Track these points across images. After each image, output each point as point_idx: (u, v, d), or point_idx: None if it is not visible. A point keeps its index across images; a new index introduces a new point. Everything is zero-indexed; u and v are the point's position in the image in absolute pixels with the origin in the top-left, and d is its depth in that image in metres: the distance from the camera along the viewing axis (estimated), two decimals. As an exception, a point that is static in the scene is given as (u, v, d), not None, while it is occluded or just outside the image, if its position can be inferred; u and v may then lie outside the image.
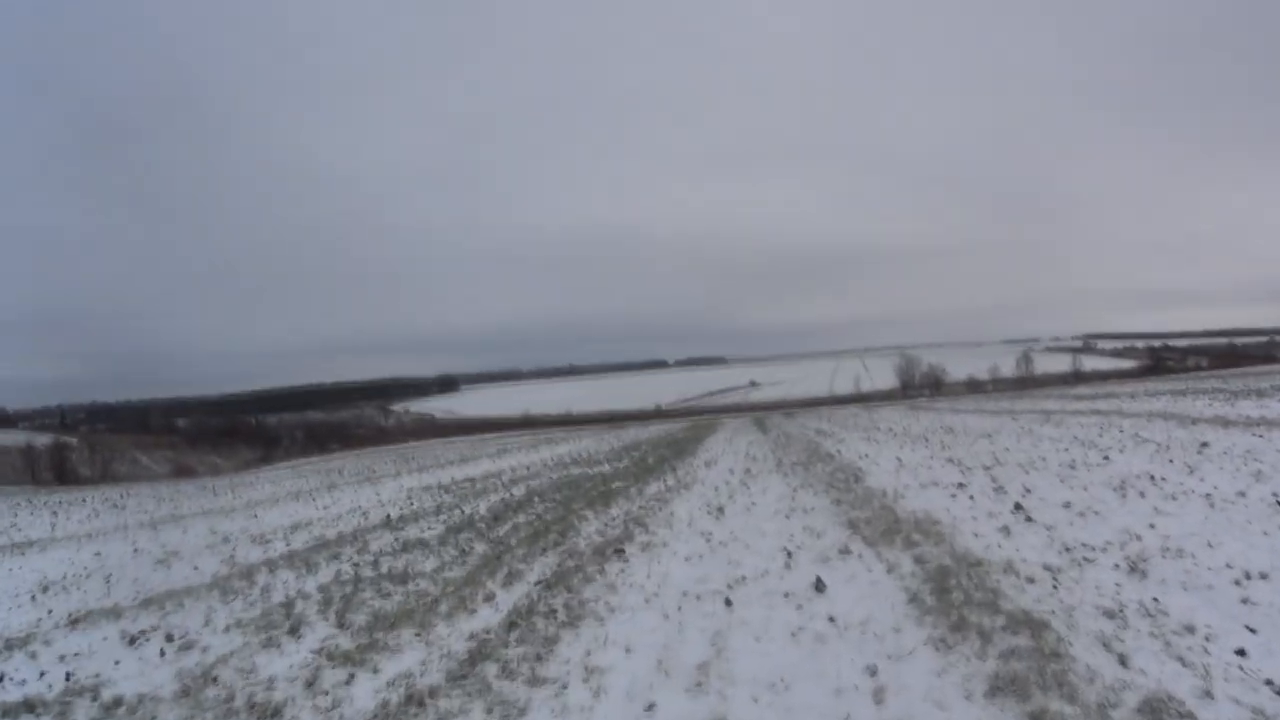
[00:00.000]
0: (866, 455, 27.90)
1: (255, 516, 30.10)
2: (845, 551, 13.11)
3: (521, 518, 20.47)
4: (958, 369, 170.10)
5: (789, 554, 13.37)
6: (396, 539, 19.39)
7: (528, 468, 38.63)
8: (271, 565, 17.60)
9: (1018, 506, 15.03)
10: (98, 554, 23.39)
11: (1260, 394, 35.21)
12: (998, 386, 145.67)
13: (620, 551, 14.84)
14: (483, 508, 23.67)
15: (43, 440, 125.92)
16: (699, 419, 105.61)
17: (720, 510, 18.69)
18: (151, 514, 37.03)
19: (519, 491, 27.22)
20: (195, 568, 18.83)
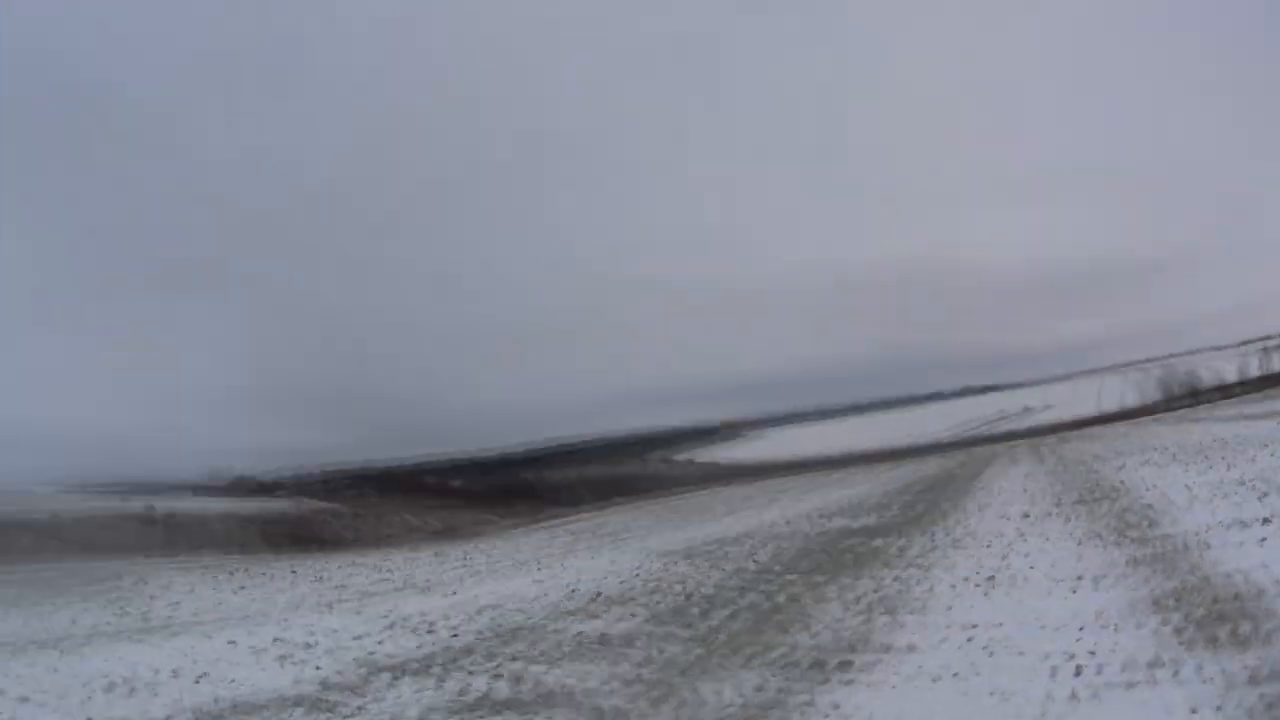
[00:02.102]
0: (1154, 485, 24.97)
1: (451, 594, 26.89)
2: (1156, 665, 9.73)
3: (750, 598, 17.99)
4: (1207, 374, 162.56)
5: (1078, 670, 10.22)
6: (576, 634, 16.44)
7: (788, 521, 35.77)
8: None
9: None
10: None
11: None
12: (1245, 387, 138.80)
13: (846, 666, 12.14)
14: (712, 580, 21.11)
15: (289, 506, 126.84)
16: (974, 449, 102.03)
17: (989, 580, 16.13)
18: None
19: (764, 556, 24.70)
20: None
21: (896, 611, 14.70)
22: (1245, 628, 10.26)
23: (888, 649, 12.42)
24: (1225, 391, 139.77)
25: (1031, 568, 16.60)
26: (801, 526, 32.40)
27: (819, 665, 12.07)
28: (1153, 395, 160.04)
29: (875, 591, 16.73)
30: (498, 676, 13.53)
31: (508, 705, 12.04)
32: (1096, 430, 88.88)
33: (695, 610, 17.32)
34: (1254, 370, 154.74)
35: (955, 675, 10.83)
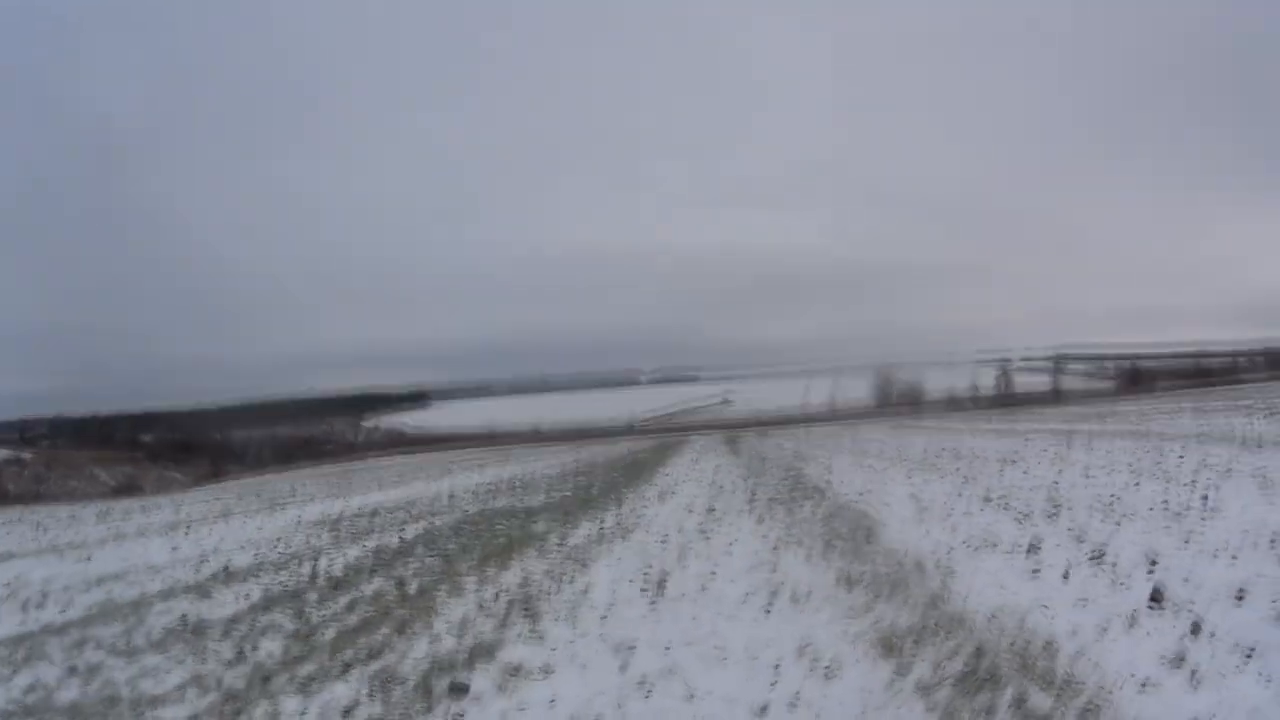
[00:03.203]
0: (868, 490, 21.46)
1: (85, 559, 24.31)
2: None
3: (376, 583, 14.81)
4: (935, 385, 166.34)
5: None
6: (181, 617, 13.69)
7: (451, 495, 33.57)
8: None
9: (1157, 597, 8.87)
10: None
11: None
12: (978, 404, 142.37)
13: (460, 691, 8.61)
14: (349, 558, 18.21)
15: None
16: (668, 436, 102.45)
17: (661, 586, 12.54)
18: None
19: (415, 531, 22.11)
20: None
21: (539, 617, 11.34)
22: (1030, 687, 7.17)
23: (515, 671, 9.21)
24: (955, 404, 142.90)
25: (713, 573, 13.29)
26: (465, 502, 30.13)
27: (424, 688, 8.83)
28: (868, 399, 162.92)
29: (521, 587, 13.28)
30: (72, 671, 11.08)
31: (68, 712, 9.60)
32: (801, 429, 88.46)
33: (314, 595, 14.62)
34: (988, 388, 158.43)
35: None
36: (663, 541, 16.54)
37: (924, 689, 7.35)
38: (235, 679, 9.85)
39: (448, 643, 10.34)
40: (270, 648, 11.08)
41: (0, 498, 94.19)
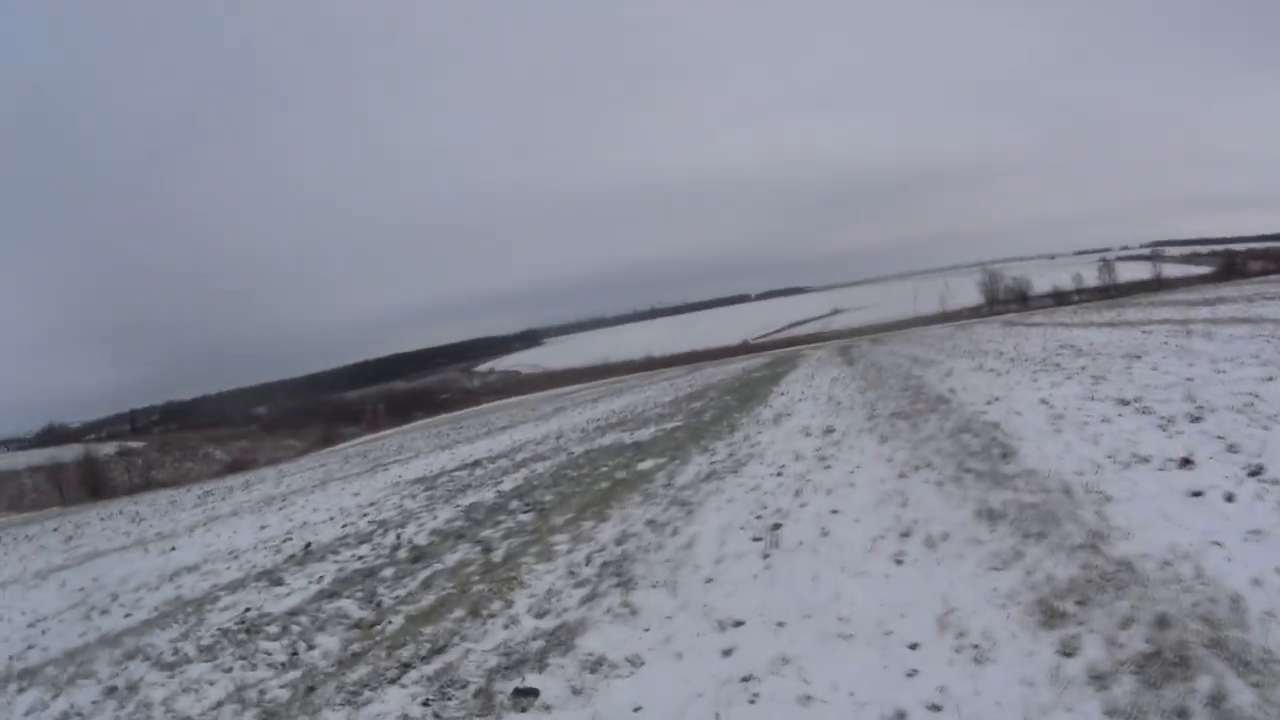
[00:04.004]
0: (996, 398, 19.45)
1: (168, 550, 24.03)
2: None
3: (461, 551, 13.87)
4: (1039, 281, 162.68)
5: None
6: (242, 613, 12.98)
7: (559, 436, 32.62)
8: None
9: None
10: None
11: None
12: (1083, 296, 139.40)
13: (526, 697, 7.40)
14: (439, 520, 17.20)
15: (78, 452, 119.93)
16: (781, 352, 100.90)
17: (775, 534, 11.12)
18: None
19: (514, 481, 20.93)
20: None
21: (634, 584, 10.02)
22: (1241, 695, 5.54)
23: (596, 665, 7.88)
24: (1061, 299, 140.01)
25: (835, 512, 11.76)
26: (570, 443, 28.91)
27: (486, 694, 7.63)
28: (976, 299, 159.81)
29: (618, 544, 12.07)
30: (110, 692, 10.20)
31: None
32: (914, 332, 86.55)
33: (391, 571, 13.64)
34: (1092, 281, 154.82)
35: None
36: (778, 474, 15.14)
37: (1099, 679, 6.01)
38: (281, 689, 8.95)
39: (525, 626, 9.22)
40: (328, 645, 10.19)
41: (108, 491, 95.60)
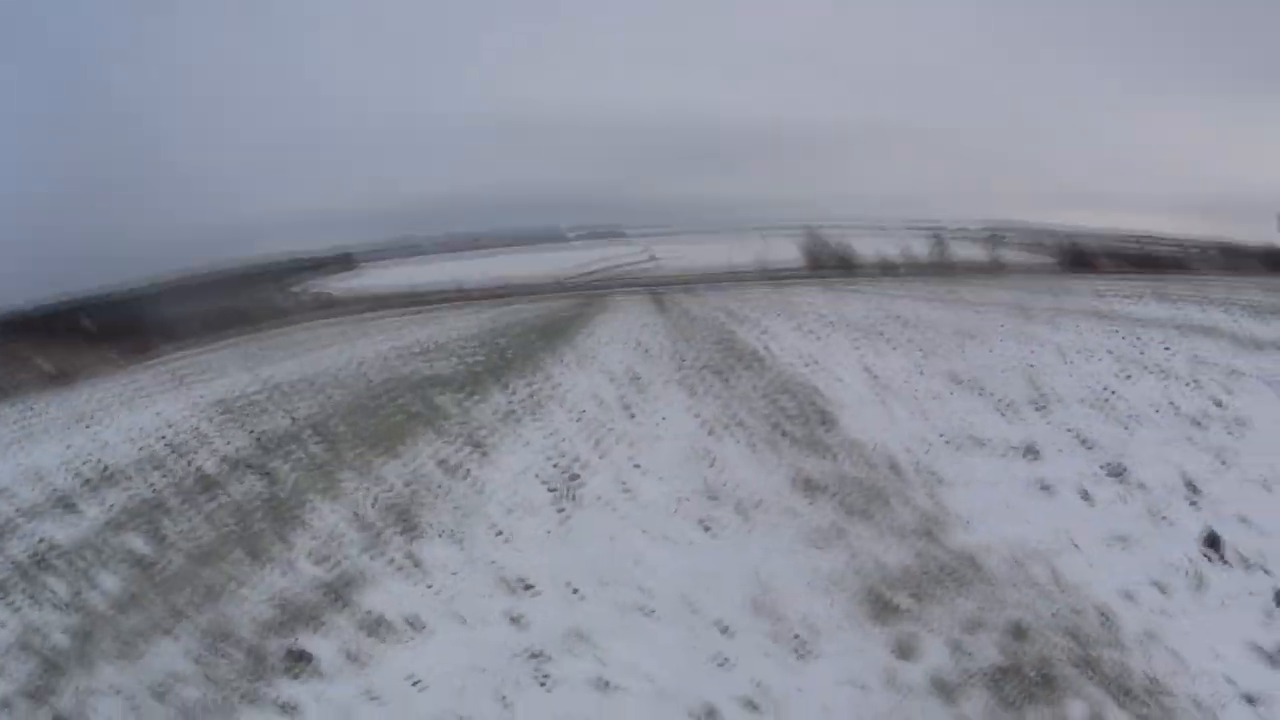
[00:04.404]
0: (815, 361, 18.92)
1: None
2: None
3: (249, 482, 12.21)
4: (866, 249, 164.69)
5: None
6: (37, 544, 10.86)
7: (361, 363, 30.68)
8: None
9: (1213, 543, 6.84)
10: None
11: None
12: (910, 270, 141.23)
13: (299, 662, 6.23)
14: (232, 446, 15.48)
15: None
16: (593, 294, 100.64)
17: (573, 485, 10.12)
18: None
19: (310, 408, 19.25)
20: None
21: (420, 532, 8.88)
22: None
23: (375, 627, 6.71)
24: (888, 269, 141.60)
25: (638, 466, 10.87)
26: (372, 370, 27.37)
27: (258, 654, 6.46)
28: (798, 261, 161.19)
29: (407, 485, 10.87)
30: None
31: None
32: (731, 287, 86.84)
33: (178, 501, 11.81)
34: (923, 255, 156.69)
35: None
36: (579, 419, 14.20)
37: (945, 690, 5.14)
38: (62, 635, 7.52)
39: (304, 573, 8.00)
40: (109, 584, 8.62)
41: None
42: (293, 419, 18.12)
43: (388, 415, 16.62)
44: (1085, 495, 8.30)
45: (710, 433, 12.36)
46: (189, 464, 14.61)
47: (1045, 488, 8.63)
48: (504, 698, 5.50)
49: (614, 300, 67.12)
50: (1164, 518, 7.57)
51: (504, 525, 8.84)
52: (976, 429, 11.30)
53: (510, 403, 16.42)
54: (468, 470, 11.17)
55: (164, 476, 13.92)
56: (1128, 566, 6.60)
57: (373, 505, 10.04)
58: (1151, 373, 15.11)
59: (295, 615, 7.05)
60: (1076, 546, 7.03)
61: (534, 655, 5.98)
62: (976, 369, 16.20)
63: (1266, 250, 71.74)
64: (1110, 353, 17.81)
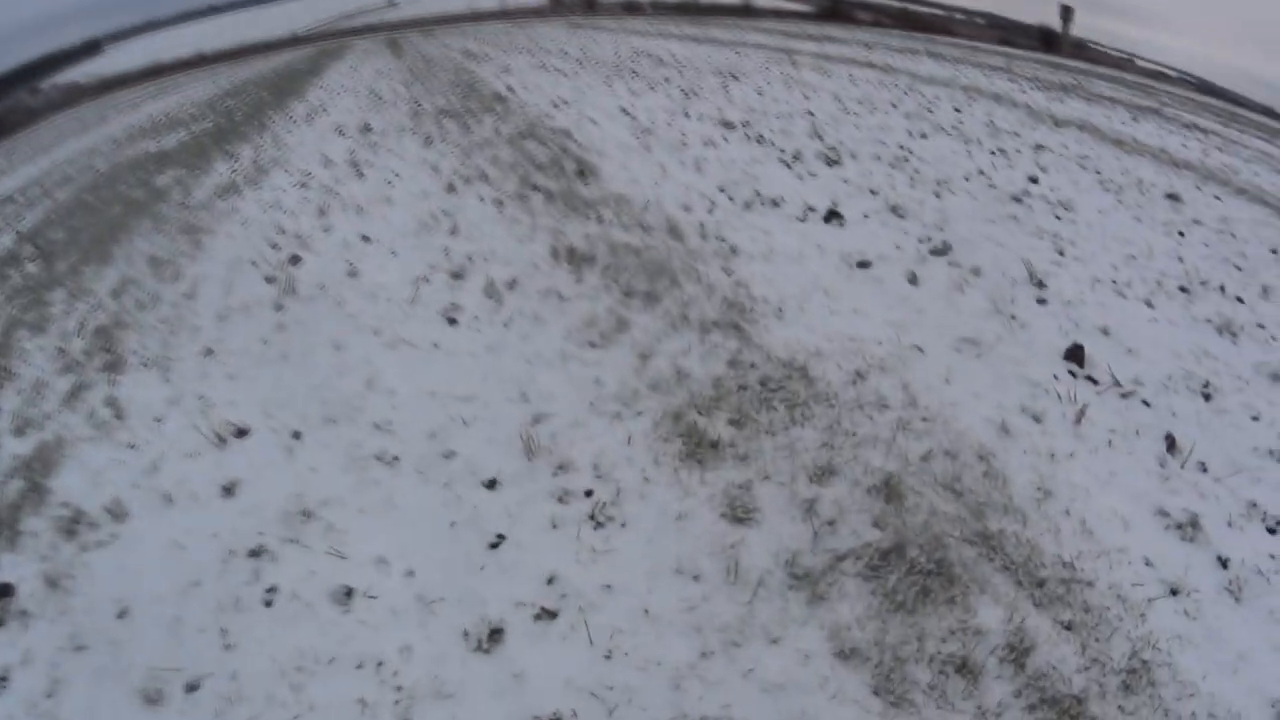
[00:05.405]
0: (565, 102, 17.41)
1: None
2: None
3: None
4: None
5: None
6: None
7: (91, 152, 27.26)
8: None
9: (1075, 356, 6.18)
10: None
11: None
12: (657, 9, 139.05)
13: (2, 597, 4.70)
14: None
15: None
16: (328, 44, 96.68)
17: (291, 271, 8.60)
18: None
19: (36, 215, 16.89)
20: None
21: (122, 364, 7.28)
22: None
23: (73, 528, 5.19)
24: (633, 9, 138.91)
25: (366, 240, 9.39)
26: (100, 159, 24.25)
27: None
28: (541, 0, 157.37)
29: (114, 298, 9.14)
30: None
31: None
32: (468, 28, 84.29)
33: None
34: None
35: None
36: (303, 185, 12.50)
37: (809, 585, 3.98)
38: None
39: (4, 453, 6.32)
40: None
41: None
42: (17, 233, 15.74)
43: (105, 210, 14.68)
44: (913, 279, 7.26)
45: (450, 189, 10.98)
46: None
47: (862, 265, 7.53)
48: (224, 632, 4.11)
49: (349, 48, 63.68)
50: (1013, 317, 6.64)
51: (215, 338, 7.33)
52: (763, 184, 10.10)
53: (233, 173, 14.56)
54: (179, 268, 9.47)
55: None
56: (989, 383, 5.66)
57: (79, 332, 8.41)
58: (948, 134, 14.08)
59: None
60: (921, 351, 5.98)
61: (253, 553, 4.57)
62: (748, 113, 14.99)
63: (1042, 29, 71.35)
64: (895, 106, 16.75)
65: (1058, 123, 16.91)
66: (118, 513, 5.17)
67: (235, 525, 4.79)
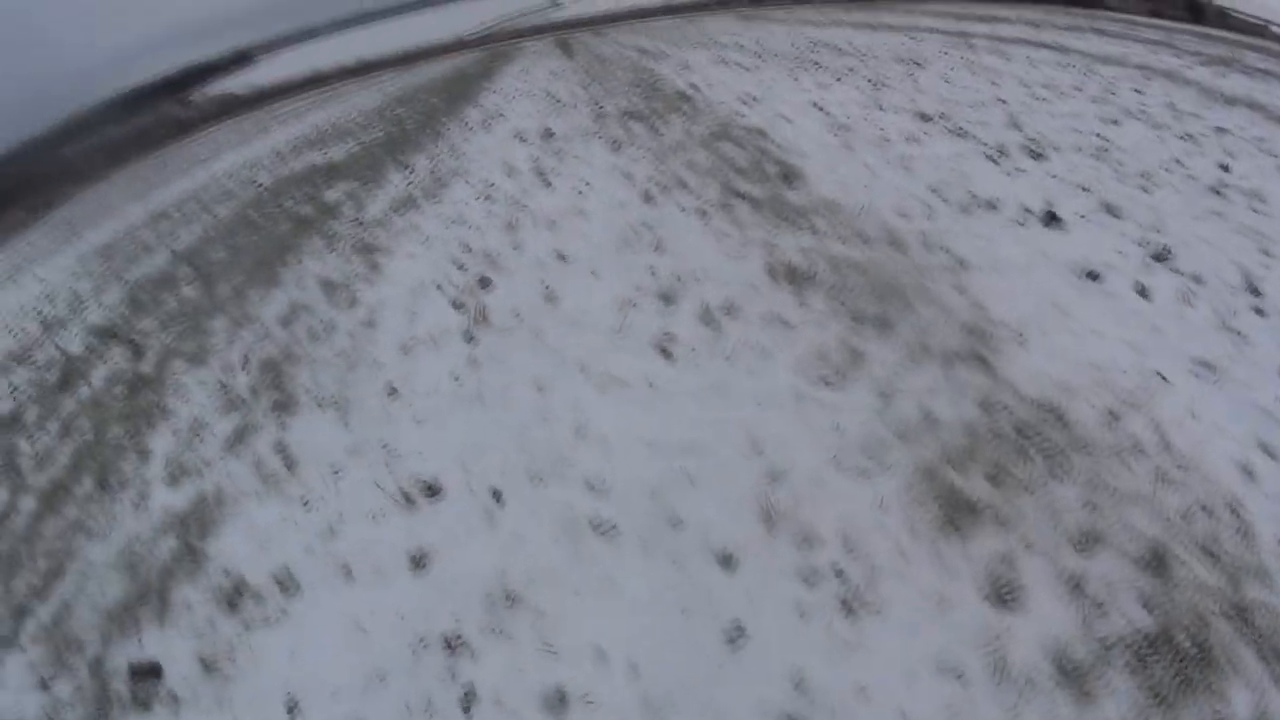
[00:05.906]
0: (754, 99, 16.62)
1: None
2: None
3: (114, 358, 10.15)
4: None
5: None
6: None
7: (253, 165, 27.61)
8: None
9: None
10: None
11: None
12: None
13: (146, 678, 4.49)
14: (104, 305, 13.51)
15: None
16: (497, 47, 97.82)
17: (482, 296, 8.15)
18: None
19: (192, 236, 16.91)
20: None
21: (293, 405, 6.97)
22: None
23: (235, 600, 4.94)
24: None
25: (562, 259, 8.84)
26: (263, 172, 24.17)
27: (100, 670, 4.74)
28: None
29: (283, 326, 8.90)
30: None
31: None
32: (637, 24, 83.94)
33: (34, 413, 9.65)
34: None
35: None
36: (486, 198, 12.03)
37: (1075, 679, 3.50)
38: None
39: (155, 505, 6.08)
40: None
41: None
42: (173, 253, 15.90)
43: (272, 227, 14.53)
44: (1142, 290, 6.55)
45: (647, 199, 10.34)
46: (56, 347, 12.46)
47: (1091, 275, 6.82)
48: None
49: (520, 50, 63.49)
50: (1238, 333, 5.93)
51: (398, 375, 6.93)
52: (975, 184, 9.41)
53: (409, 185, 14.29)
54: (355, 293, 9.16)
55: (29, 370, 11.88)
56: (1227, 414, 5.07)
57: (243, 366, 8.13)
58: (1137, 119, 13.13)
59: (143, 593, 5.23)
60: (1165, 379, 5.36)
61: (448, 644, 4.11)
62: (942, 103, 14.23)
63: (1187, -2, 68.02)
64: (1079, 90, 15.90)
65: (1228, 101, 15.68)
66: (287, 585, 4.82)
67: (427, 606, 4.37)
